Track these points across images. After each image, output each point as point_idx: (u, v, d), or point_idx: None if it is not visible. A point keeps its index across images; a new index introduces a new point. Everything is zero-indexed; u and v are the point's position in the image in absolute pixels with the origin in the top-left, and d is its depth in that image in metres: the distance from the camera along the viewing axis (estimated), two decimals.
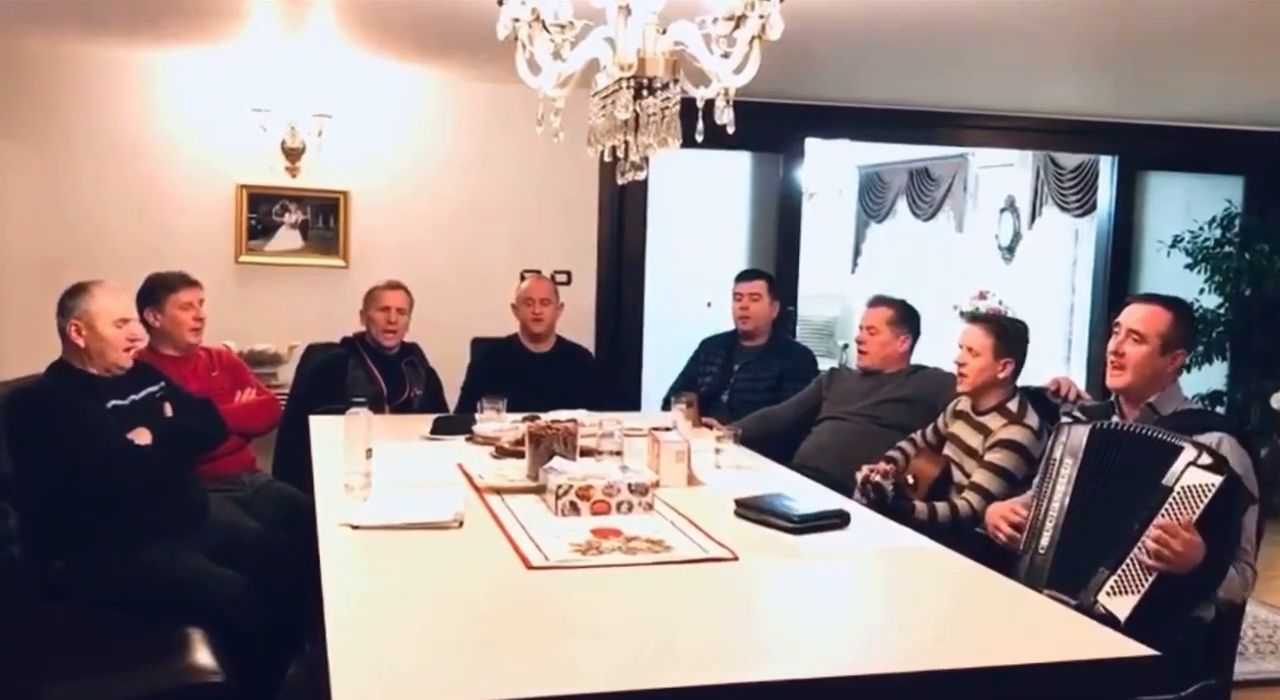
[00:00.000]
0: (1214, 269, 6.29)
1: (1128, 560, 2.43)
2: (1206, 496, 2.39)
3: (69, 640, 2.63)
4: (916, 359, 4.06)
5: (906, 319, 4.01)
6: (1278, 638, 4.18)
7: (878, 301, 4.09)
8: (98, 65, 5.23)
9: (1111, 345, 2.76)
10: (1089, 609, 2.35)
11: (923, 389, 3.87)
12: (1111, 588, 2.43)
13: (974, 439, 3.30)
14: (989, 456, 3.20)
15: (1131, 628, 2.28)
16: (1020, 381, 3.40)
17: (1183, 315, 2.75)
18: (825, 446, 3.90)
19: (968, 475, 3.26)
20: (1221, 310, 6.28)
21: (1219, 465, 2.42)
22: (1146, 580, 2.40)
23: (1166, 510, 2.41)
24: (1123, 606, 2.39)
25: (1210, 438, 2.51)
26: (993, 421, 3.28)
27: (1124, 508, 2.51)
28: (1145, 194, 6.77)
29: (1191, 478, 2.41)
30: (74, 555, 2.89)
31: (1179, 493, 2.42)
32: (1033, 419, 3.25)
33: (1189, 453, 2.44)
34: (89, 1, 4.25)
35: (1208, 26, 4.14)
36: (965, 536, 2.96)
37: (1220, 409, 6.18)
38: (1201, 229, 6.34)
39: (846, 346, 8.97)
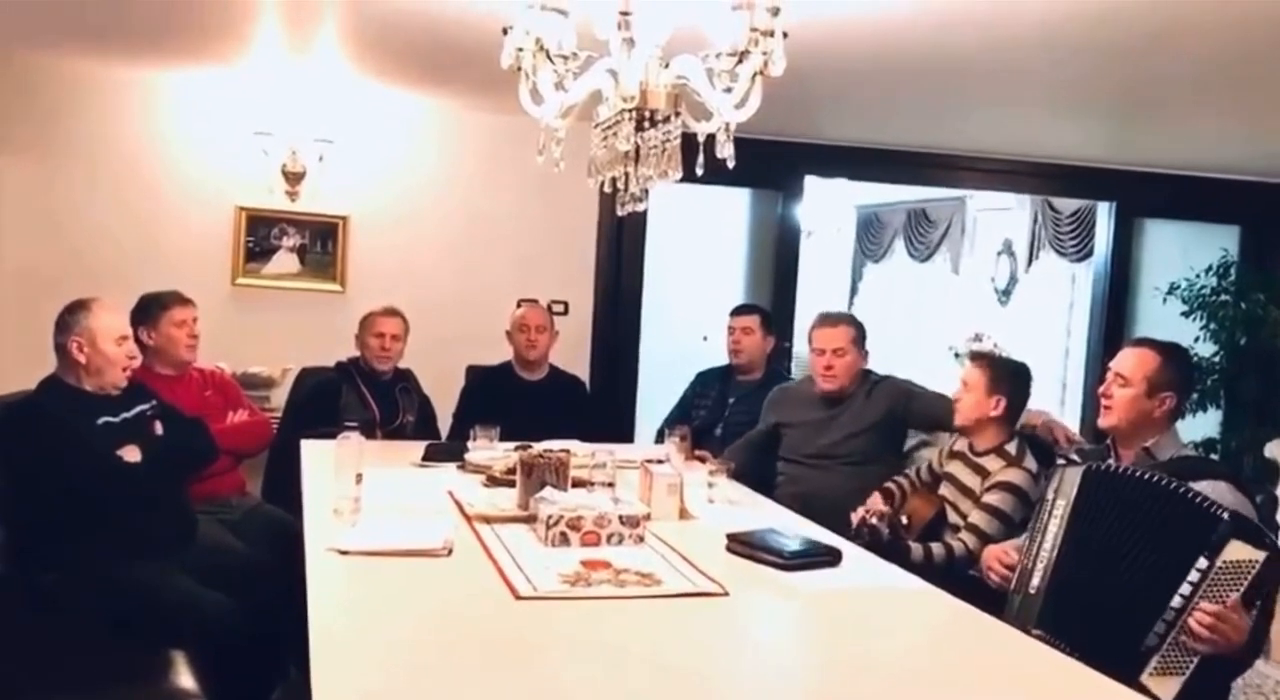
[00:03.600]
0: (1209, 317, 6.31)
1: (1170, 639, 2.35)
2: (1251, 573, 2.32)
3: (53, 658, 2.60)
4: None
5: (864, 333, 3.92)
6: (1268, 689, 4.14)
7: (835, 320, 3.93)
8: (100, 82, 5.24)
9: (1100, 389, 2.81)
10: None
11: (881, 409, 3.82)
12: (1156, 668, 2.35)
13: (971, 480, 3.29)
14: (986, 498, 3.18)
15: None
16: None
17: (1173, 359, 2.76)
18: (798, 497, 3.79)
19: (964, 515, 3.24)
20: (1216, 358, 6.30)
21: (1259, 535, 2.35)
22: (1191, 661, 2.33)
23: (1210, 587, 2.33)
24: (1168, 689, 2.31)
25: (1207, 485, 2.49)
26: (991, 463, 3.26)
27: (1133, 559, 2.44)
28: (1142, 240, 6.79)
29: (1234, 552, 2.33)
30: (61, 571, 2.87)
31: (1221, 567, 2.33)
32: (1031, 462, 3.23)
33: (1228, 525, 2.34)
34: (93, 19, 4.26)
35: (1207, 76, 4.17)
36: (959, 578, 2.94)
37: (1214, 457, 6.18)
38: (1198, 277, 6.37)
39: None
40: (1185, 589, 2.35)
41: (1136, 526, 2.48)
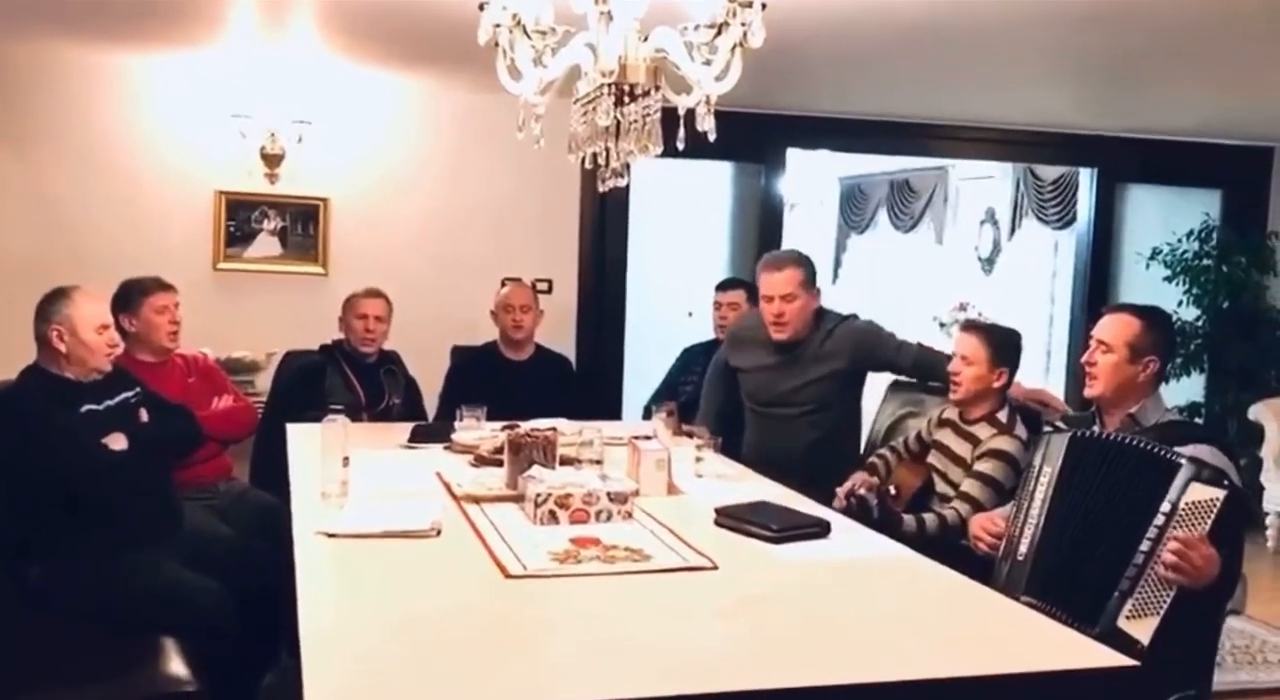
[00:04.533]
0: (1192, 281, 6.33)
1: (1143, 581, 2.39)
2: (1213, 511, 2.37)
3: (42, 649, 2.60)
4: None
5: (813, 272, 3.76)
6: (1254, 648, 4.19)
7: (781, 262, 3.72)
8: (77, 68, 5.19)
9: (1084, 357, 2.81)
10: (1110, 636, 2.34)
11: (842, 357, 3.72)
12: (1131, 611, 2.39)
13: (962, 448, 3.29)
14: (978, 466, 3.18)
15: (1152, 650, 2.27)
16: None
17: (1154, 323, 2.76)
18: (760, 451, 3.77)
19: (954, 484, 3.25)
20: (1199, 322, 6.32)
21: (1218, 477, 2.40)
22: (1165, 600, 2.37)
23: (1176, 529, 2.37)
24: (1144, 630, 2.35)
25: (1192, 449, 2.51)
26: (981, 431, 3.26)
27: (1112, 520, 2.49)
28: (1124, 206, 6.80)
29: (1195, 494, 2.38)
30: (49, 563, 2.85)
31: (1185, 509, 2.38)
32: (1021, 430, 3.23)
33: (1187, 469, 2.40)
34: (66, 3, 4.21)
35: (1187, 40, 4.16)
36: (947, 547, 2.95)
37: (1198, 421, 6.20)
38: (1180, 241, 6.39)
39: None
40: (1152, 533, 2.40)
41: (1116, 488, 2.52)
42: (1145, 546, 2.40)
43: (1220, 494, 2.38)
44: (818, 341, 3.74)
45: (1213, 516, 2.37)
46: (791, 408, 3.78)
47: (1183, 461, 2.42)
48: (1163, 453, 2.48)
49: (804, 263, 3.72)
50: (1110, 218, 6.73)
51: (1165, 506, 2.40)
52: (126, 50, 5.05)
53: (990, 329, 3.42)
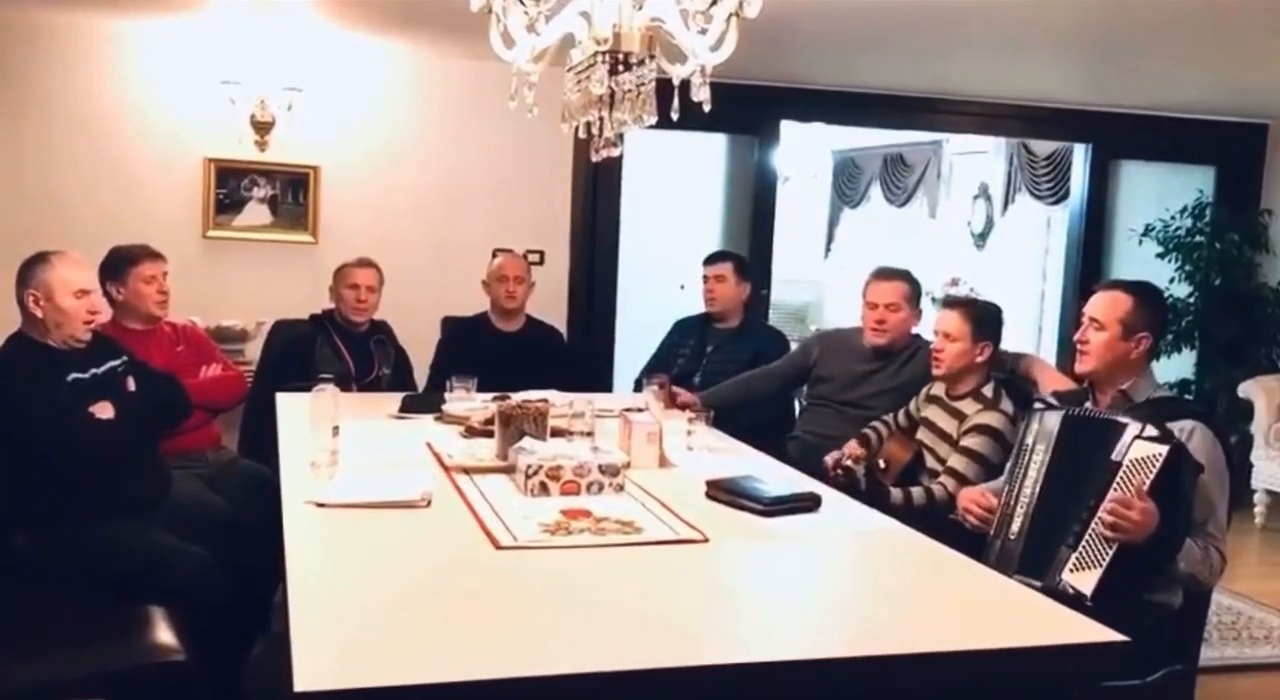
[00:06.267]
0: (1184, 258, 6.32)
1: (1086, 536, 2.45)
2: (1155, 466, 2.42)
3: (28, 618, 2.58)
4: None
5: (919, 291, 3.94)
6: (1240, 624, 4.22)
7: (890, 275, 3.91)
8: (64, 33, 5.13)
9: (1076, 334, 2.82)
10: (1054, 589, 2.36)
11: (919, 374, 3.75)
12: (1074, 564, 2.46)
13: (948, 424, 3.30)
14: (965, 441, 3.19)
15: (1098, 604, 2.31)
16: None
17: (1146, 299, 2.76)
18: (816, 436, 3.84)
19: (941, 460, 3.26)
20: (1191, 299, 6.32)
21: (1164, 436, 2.45)
22: (1107, 553, 2.42)
23: (1118, 484, 2.44)
24: (1087, 581, 2.41)
25: (1182, 425, 2.53)
26: (967, 406, 3.27)
27: (1082, 490, 2.54)
28: (1118, 183, 6.79)
29: (1138, 451, 2.45)
30: (35, 531, 2.84)
31: (1128, 466, 2.45)
32: (1007, 405, 3.25)
33: (1133, 427, 2.48)
34: None
35: (1184, 16, 4.14)
36: (937, 522, 2.95)
37: (1189, 398, 6.22)
38: (1173, 218, 6.38)
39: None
40: (1098, 490, 2.47)
41: (1092, 461, 2.54)
42: (1091, 503, 2.46)
43: (1161, 450, 2.43)
44: (903, 357, 3.87)
45: (1154, 472, 2.42)
46: (862, 410, 3.81)
47: (1129, 422, 2.50)
48: (1114, 417, 2.57)
49: (912, 281, 3.91)
50: (1104, 194, 6.72)
51: (1111, 466, 2.47)
52: (116, 15, 4.99)
53: (970, 303, 3.45)
